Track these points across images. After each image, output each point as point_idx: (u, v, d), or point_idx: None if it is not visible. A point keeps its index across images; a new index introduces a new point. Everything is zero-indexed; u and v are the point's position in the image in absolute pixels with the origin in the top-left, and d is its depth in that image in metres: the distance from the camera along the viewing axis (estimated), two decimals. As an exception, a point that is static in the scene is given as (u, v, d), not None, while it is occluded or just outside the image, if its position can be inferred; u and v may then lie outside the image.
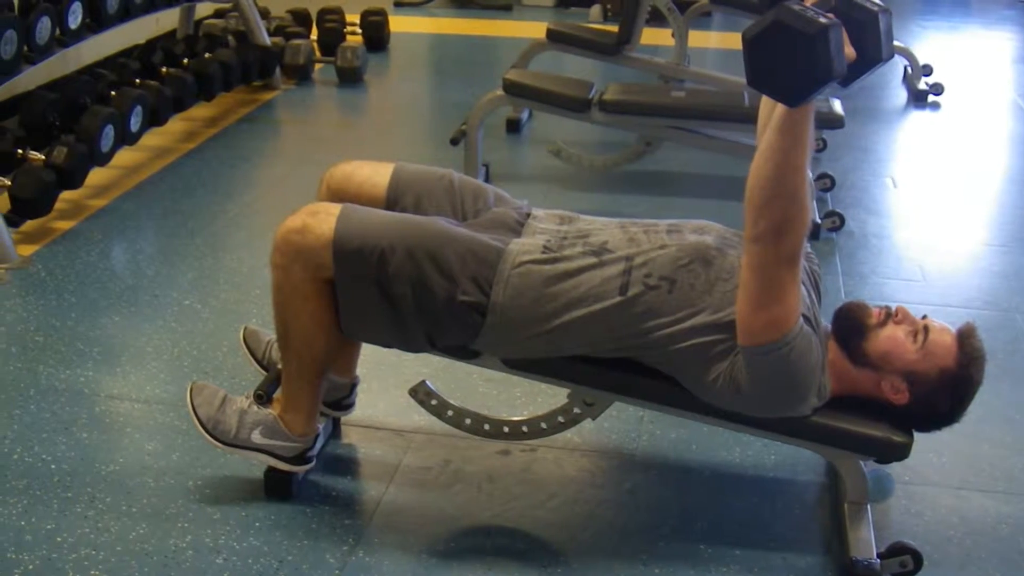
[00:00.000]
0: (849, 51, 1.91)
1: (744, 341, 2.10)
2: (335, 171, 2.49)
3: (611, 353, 2.23)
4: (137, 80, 4.75)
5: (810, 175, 4.08)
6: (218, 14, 6.32)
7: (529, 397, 2.84)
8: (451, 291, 2.18)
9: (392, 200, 2.43)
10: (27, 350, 3.03)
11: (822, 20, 1.84)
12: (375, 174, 2.46)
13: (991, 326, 3.24)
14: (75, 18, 4.15)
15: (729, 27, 7.51)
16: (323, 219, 2.20)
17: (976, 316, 2.93)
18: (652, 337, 2.16)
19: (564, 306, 2.18)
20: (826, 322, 2.30)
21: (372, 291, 2.19)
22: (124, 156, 4.42)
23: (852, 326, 2.23)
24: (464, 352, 2.31)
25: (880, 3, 2.00)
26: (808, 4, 1.91)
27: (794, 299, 2.07)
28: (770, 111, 2.34)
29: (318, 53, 6.27)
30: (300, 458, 2.40)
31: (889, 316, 2.22)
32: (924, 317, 2.24)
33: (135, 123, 4.32)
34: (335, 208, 2.23)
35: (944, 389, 2.18)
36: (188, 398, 2.38)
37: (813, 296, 2.30)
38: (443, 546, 2.30)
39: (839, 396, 2.24)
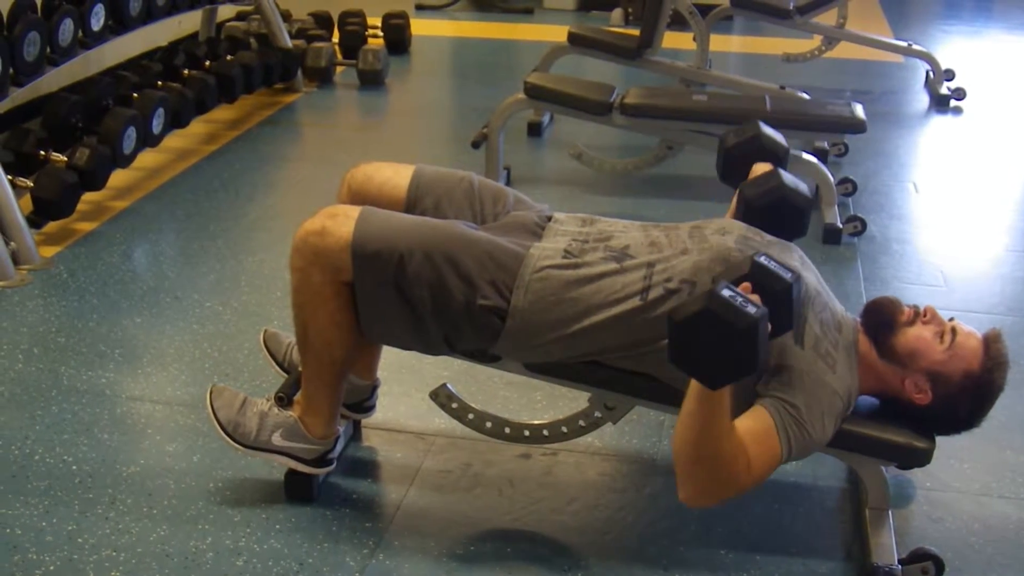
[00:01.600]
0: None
1: None
2: (356, 173, 2.49)
3: (630, 361, 2.22)
4: (159, 82, 4.78)
5: (832, 180, 4.09)
6: (240, 16, 6.35)
7: (550, 401, 2.84)
8: (470, 295, 2.17)
9: (412, 202, 2.43)
10: (49, 351, 3.04)
11: (751, 312, 1.79)
12: (395, 176, 2.46)
13: (1013, 332, 3.21)
14: (97, 20, 4.17)
15: (751, 31, 7.45)
16: (342, 222, 2.20)
17: (998, 322, 2.92)
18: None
19: (584, 311, 2.18)
20: (854, 315, 2.30)
21: (391, 294, 2.19)
22: (146, 158, 4.44)
23: (882, 320, 2.23)
24: (484, 355, 2.31)
25: (792, 269, 1.97)
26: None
27: (766, 460, 2.04)
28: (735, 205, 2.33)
29: (339, 56, 6.28)
30: (320, 460, 2.40)
31: (918, 315, 2.22)
32: (952, 319, 2.23)
33: (157, 125, 4.34)
34: (354, 211, 2.23)
35: (966, 392, 2.18)
36: (208, 401, 2.39)
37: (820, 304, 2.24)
38: (463, 549, 2.30)
39: (864, 393, 2.24)
